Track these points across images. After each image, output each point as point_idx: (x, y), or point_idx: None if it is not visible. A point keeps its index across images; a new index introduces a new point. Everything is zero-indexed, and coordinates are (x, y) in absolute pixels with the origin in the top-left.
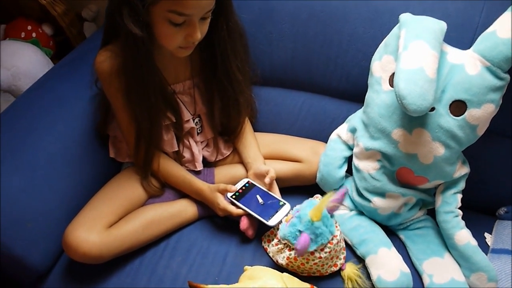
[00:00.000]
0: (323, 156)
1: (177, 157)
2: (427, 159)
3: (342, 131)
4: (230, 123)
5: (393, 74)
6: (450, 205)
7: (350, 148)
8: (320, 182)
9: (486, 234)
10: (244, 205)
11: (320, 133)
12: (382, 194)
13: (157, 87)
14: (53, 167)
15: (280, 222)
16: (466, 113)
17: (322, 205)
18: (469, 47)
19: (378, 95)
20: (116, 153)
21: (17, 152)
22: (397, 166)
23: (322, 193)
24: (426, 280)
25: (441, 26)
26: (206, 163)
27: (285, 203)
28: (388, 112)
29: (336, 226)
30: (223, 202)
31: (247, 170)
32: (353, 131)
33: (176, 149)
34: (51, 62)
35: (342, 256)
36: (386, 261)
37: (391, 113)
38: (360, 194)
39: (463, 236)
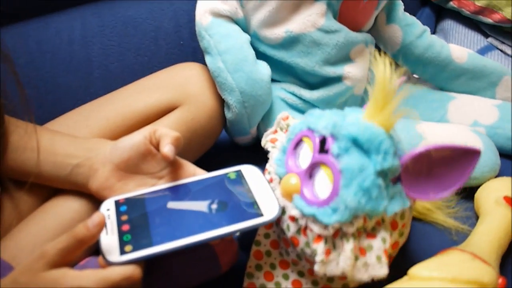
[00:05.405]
0: (223, 62)
1: None
2: None
3: (214, 5)
4: None
5: None
6: (414, 25)
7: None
8: (242, 110)
9: None
10: (173, 241)
11: None
12: (346, 56)
13: None
14: None
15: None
16: None
17: (391, 90)
18: None
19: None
20: None
21: None
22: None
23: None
24: None
25: None
26: None
27: (239, 170)
28: None
29: None
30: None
31: (85, 184)
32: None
33: None
34: None
35: None
36: None
37: None
38: (312, 83)
39: (457, 49)
